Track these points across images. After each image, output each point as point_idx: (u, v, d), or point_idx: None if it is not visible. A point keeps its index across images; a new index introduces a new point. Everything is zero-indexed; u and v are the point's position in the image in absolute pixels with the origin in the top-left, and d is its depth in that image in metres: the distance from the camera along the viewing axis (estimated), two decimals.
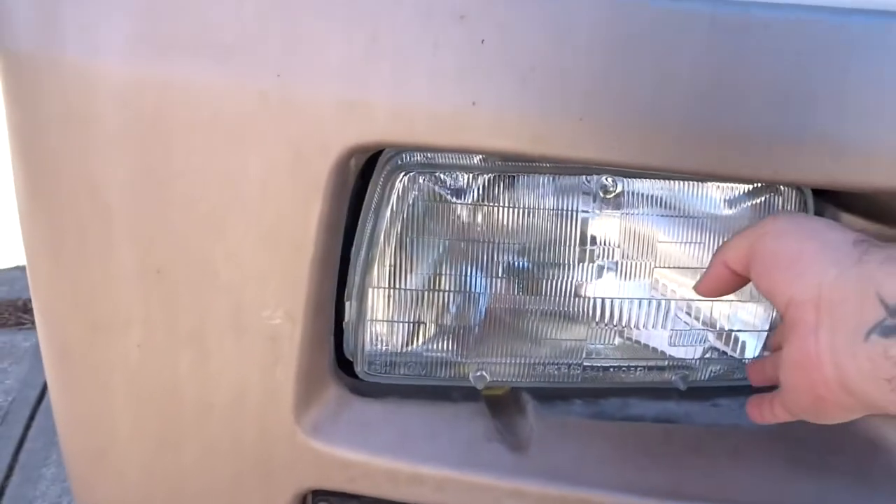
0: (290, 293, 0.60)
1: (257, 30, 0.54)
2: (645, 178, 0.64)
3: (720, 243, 0.63)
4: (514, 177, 0.64)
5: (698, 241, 0.67)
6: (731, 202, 0.66)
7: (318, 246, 0.59)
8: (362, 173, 0.64)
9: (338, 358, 0.70)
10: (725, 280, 0.55)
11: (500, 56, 0.53)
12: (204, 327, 0.62)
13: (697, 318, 0.70)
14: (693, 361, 0.71)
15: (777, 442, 0.69)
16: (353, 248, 0.65)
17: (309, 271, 0.60)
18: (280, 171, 0.57)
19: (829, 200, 0.67)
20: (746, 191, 0.66)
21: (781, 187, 0.65)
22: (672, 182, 0.65)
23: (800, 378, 0.47)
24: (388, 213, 0.63)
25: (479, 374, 0.69)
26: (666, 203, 0.66)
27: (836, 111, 0.51)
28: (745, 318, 0.70)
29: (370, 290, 0.65)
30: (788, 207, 0.66)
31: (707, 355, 0.71)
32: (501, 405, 0.71)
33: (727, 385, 0.72)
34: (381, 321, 0.67)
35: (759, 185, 0.66)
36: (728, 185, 0.65)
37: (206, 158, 0.57)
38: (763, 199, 0.66)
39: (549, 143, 0.54)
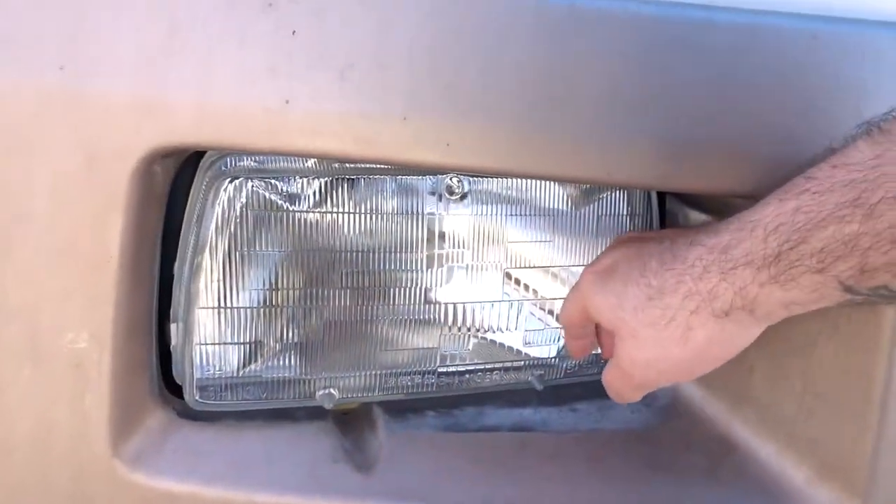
0: (95, 314, 0.53)
1: (36, 16, 0.47)
2: (489, 177, 0.61)
3: (569, 241, 0.61)
4: (353, 179, 0.60)
5: (548, 239, 0.65)
6: (577, 200, 0.64)
7: (123, 260, 0.52)
8: (184, 179, 0.57)
9: (167, 380, 0.64)
10: (582, 336, 0.59)
11: (314, 49, 0.48)
12: None
13: (551, 316, 0.68)
14: (549, 360, 0.69)
15: (634, 444, 0.68)
16: (177, 264, 0.59)
17: (115, 289, 0.53)
18: (71, 178, 0.50)
19: (679, 198, 0.66)
20: (593, 188, 0.64)
21: None
22: (520, 181, 0.62)
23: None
24: (212, 225, 0.57)
25: (326, 391, 0.64)
26: (515, 201, 0.63)
27: (669, 114, 0.48)
28: None
29: (196, 311, 0.59)
30: (635, 203, 0.64)
31: (562, 353, 0.69)
32: (351, 421, 0.67)
33: (583, 382, 0.70)
34: (211, 344, 0.61)
35: None
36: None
37: None
38: (608, 195, 0.64)
39: (372, 145, 0.49)
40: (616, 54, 0.49)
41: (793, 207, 0.43)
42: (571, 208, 0.64)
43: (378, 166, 0.59)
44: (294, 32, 0.48)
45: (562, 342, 0.69)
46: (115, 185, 0.50)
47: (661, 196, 0.67)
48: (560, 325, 0.59)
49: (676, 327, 0.48)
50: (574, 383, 0.71)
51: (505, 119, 0.49)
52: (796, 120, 0.49)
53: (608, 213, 0.64)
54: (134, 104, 0.48)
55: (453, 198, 0.62)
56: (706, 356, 0.50)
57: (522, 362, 0.69)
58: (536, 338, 0.69)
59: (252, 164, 0.58)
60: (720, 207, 0.62)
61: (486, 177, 0.61)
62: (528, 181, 0.62)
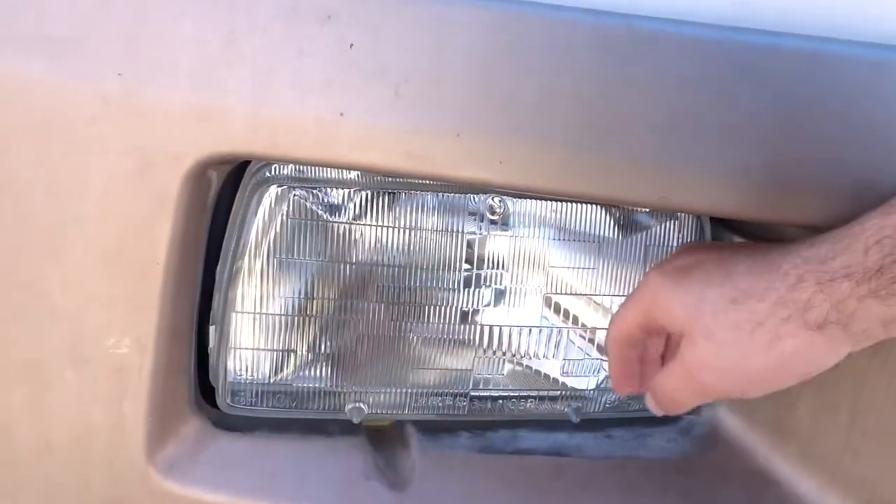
0: (139, 319, 0.54)
1: (96, 22, 0.48)
2: (534, 198, 0.61)
3: (614, 269, 0.60)
4: (394, 194, 0.60)
5: (592, 266, 0.64)
6: (625, 226, 0.63)
7: (169, 266, 0.53)
8: (230, 185, 0.58)
9: (203, 387, 0.64)
10: (629, 362, 0.55)
11: (370, 63, 0.48)
12: (40, 359, 0.54)
13: (593, 346, 0.67)
14: (587, 392, 0.68)
15: (671, 474, 0.67)
16: (218, 268, 0.59)
17: (160, 295, 0.53)
18: (124, 183, 0.50)
19: (725, 225, 0.65)
20: (641, 214, 0.63)
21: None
22: (563, 204, 0.62)
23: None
24: (253, 231, 0.57)
25: (355, 405, 0.64)
26: (558, 226, 0.63)
27: (727, 139, 0.48)
28: None
29: (233, 315, 0.59)
30: (685, 233, 0.63)
31: (602, 385, 0.68)
32: (384, 439, 0.66)
33: (622, 416, 0.69)
34: (245, 349, 0.61)
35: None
36: (622, 208, 0.62)
37: (37, 168, 0.50)
38: (660, 223, 0.63)
39: (423, 161, 0.49)
40: (674, 77, 0.48)
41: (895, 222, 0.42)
42: (618, 236, 0.63)
43: (420, 181, 0.59)
44: (351, 46, 0.48)
45: (602, 374, 0.67)
46: (166, 192, 0.50)
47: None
48: (606, 346, 0.56)
49: (764, 333, 0.45)
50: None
51: (559, 138, 0.49)
52: (857, 149, 0.48)
53: (657, 242, 0.63)
54: (190, 111, 0.49)
55: (494, 218, 0.62)
56: (789, 369, 0.47)
57: (559, 392, 0.68)
58: (576, 368, 0.67)
59: (294, 173, 0.58)
60: (768, 236, 0.61)
61: (537, 197, 0.60)
62: (573, 206, 0.62)
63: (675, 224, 0.64)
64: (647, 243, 0.63)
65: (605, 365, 0.67)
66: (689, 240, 0.64)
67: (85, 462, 0.57)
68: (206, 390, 0.64)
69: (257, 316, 0.60)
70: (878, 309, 0.43)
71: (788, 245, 0.46)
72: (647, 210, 0.63)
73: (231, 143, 0.49)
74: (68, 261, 0.52)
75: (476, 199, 0.61)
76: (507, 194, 0.60)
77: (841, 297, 0.43)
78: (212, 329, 0.61)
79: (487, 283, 0.63)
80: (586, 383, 0.68)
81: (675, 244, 0.63)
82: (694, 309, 0.47)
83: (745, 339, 0.46)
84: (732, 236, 0.65)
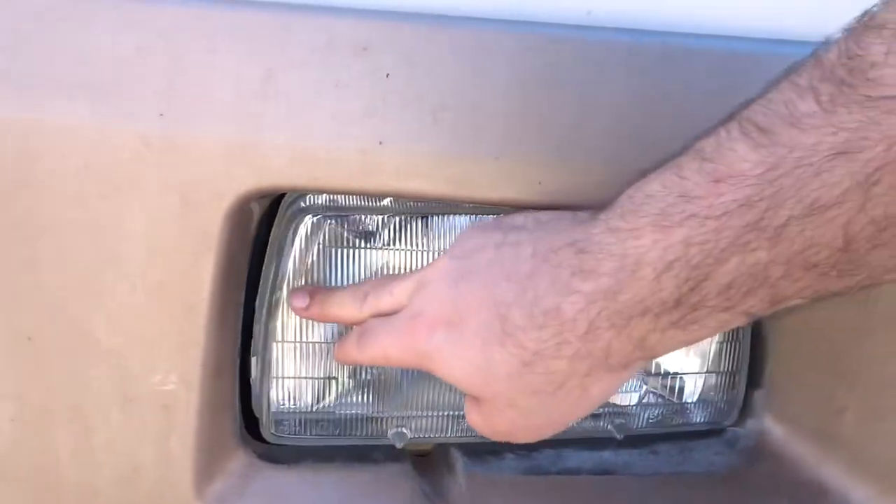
0: (184, 355, 0.54)
1: (136, 65, 0.48)
2: None
3: None
4: (427, 217, 0.60)
5: None
6: None
7: (213, 301, 0.53)
8: (266, 217, 0.58)
9: (247, 419, 0.63)
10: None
11: (407, 91, 0.48)
12: (85, 399, 0.54)
13: None
14: (630, 408, 0.67)
15: (720, 488, 0.66)
16: (258, 299, 0.59)
17: (205, 330, 0.53)
18: (166, 222, 0.50)
19: None
20: None
21: None
22: None
23: None
24: (290, 261, 0.58)
25: (397, 430, 0.64)
26: None
27: None
28: (682, 360, 0.66)
29: (274, 345, 0.59)
30: None
31: (644, 400, 0.68)
32: (429, 464, 0.66)
33: (666, 431, 0.68)
34: (287, 378, 0.60)
35: None
36: None
37: (79, 210, 0.50)
38: None
39: (464, 185, 0.49)
40: (709, 93, 0.48)
41: (682, 238, 0.35)
42: None
43: (452, 205, 0.59)
44: (388, 75, 0.48)
45: (644, 388, 0.67)
46: (209, 228, 0.50)
47: None
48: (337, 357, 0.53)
49: (569, 391, 0.42)
50: None
51: (598, 157, 0.49)
52: None
53: None
54: (230, 148, 0.49)
55: None
56: (593, 406, 0.44)
57: (601, 409, 0.67)
58: None
59: (328, 202, 0.59)
60: None
61: None
62: None
63: None
64: None
65: (647, 379, 0.67)
66: None
67: (132, 503, 0.57)
68: (249, 422, 0.63)
69: (298, 345, 0.60)
70: (681, 336, 0.38)
71: (558, 270, 0.40)
72: None
73: (272, 178, 0.49)
74: (112, 300, 0.52)
75: None
76: None
77: (640, 335, 0.38)
78: (253, 360, 0.61)
79: None
80: (628, 399, 0.67)
81: None
82: (488, 381, 0.43)
83: (548, 400, 0.42)
84: None
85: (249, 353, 0.61)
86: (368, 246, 0.60)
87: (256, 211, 0.54)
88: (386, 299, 0.49)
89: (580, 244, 0.40)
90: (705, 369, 0.66)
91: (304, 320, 0.60)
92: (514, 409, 0.44)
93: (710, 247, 0.35)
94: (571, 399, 0.42)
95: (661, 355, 0.41)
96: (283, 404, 0.62)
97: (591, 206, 0.50)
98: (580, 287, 0.39)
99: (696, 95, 0.49)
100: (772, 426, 0.67)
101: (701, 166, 0.35)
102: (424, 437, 0.66)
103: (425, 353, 0.45)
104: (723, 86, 0.49)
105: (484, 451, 0.66)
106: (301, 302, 0.54)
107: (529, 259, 0.42)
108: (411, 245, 0.61)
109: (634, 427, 0.67)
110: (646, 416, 0.68)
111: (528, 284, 0.41)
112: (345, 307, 0.52)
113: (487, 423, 0.46)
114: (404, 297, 0.48)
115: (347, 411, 0.63)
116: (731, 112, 0.36)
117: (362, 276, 0.60)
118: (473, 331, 0.42)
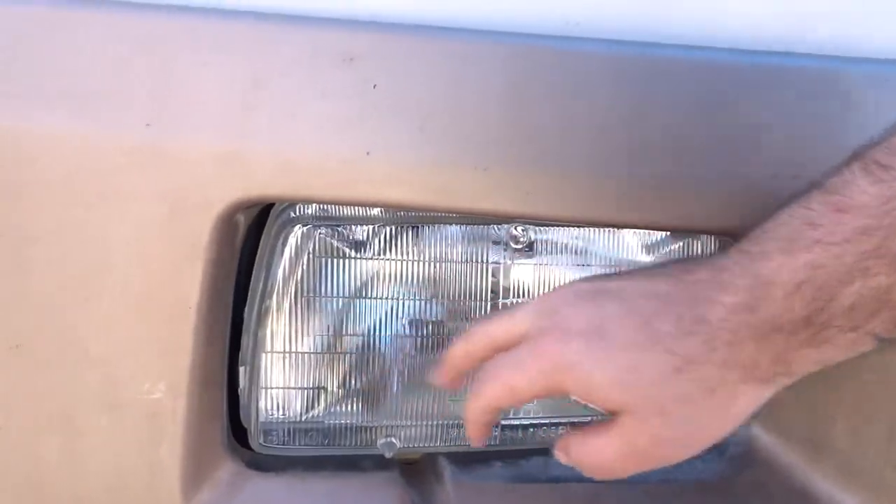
0: (172, 364, 0.54)
1: (123, 76, 0.49)
2: (557, 226, 0.61)
3: None
4: (417, 227, 0.60)
5: None
6: (649, 248, 0.63)
7: (201, 310, 0.53)
8: (255, 226, 0.58)
9: (235, 428, 0.63)
10: (492, 420, 0.50)
11: (394, 102, 0.48)
12: (72, 407, 0.54)
13: None
14: None
15: (709, 496, 0.66)
16: (246, 309, 0.60)
17: (192, 339, 0.53)
18: (154, 231, 0.51)
19: None
20: (665, 237, 0.63)
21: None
22: (587, 230, 0.62)
23: None
24: (280, 271, 0.58)
25: (387, 440, 0.64)
26: (581, 252, 0.63)
27: (746, 158, 0.48)
28: None
29: (262, 355, 0.59)
30: (707, 253, 0.63)
31: None
32: (417, 472, 0.66)
33: None
34: (276, 388, 0.61)
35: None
36: (645, 231, 0.62)
37: (67, 219, 0.50)
38: (682, 244, 0.63)
39: (451, 195, 0.50)
40: (693, 103, 0.49)
41: (807, 262, 0.38)
42: (643, 259, 0.63)
43: (443, 214, 0.60)
44: (375, 86, 0.48)
45: None
46: (197, 237, 0.51)
47: None
48: (470, 415, 0.48)
49: (720, 399, 0.42)
50: None
51: (584, 168, 0.49)
52: None
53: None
54: (217, 158, 0.49)
55: (518, 247, 0.62)
56: (739, 421, 0.44)
57: (591, 418, 0.67)
58: None
59: (318, 212, 0.59)
60: None
61: (563, 225, 0.60)
62: (598, 232, 0.62)
63: (697, 243, 0.64)
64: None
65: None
66: None
67: None
68: (238, 431, 0.63)
69: (287, 355, 0.60)
70: (814, 355, 0.41)
71: (696, 286, 0.42)
72: (671, 233, 0.63)
73: (260, 187, 0.50)
74: (100, 309, 0.52)
75: (499, 228, 0.61)
76: (534, 224, 0.60)
77: (778, 350, 0.40)
78: (242, 370, 0.61)
79: None
80: None
81: None
82: (636, 387, 0.42)
83: (698, 408, 0.42)
84: None
85: (238, 363, 0.61)
86: (359, 256, 0.60)
87: (242, 222, 0.54)
88: (505, 322, 0.47)
89: (717, 265, 0.42)
90: None
91: (293, 330, 0.60)
92: (661, 418, 0.42)
93: (833, 270, 0.38)
94: (721, 409, 0.43)
95: (799, 374, 0.42)
96: (272, 414, 0.62)
97: (578, 217, 0.50)
98: (721, 299, 0.41)
99: (681, 105, 0.49)
100: (761, 433, 0.67)
101: (825, 198, 0.39)
102: (413, 446, 0.66)
103: (559, 367, 0.43)
104: (707, 96, 0.49)
105: (472, 459, 0.66)
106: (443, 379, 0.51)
107: (664, 281, 0.43)
108: (402, 255, 0.61)
109: None
110: None
111: (668, 299, 0.42)
112: (456, 350, 0.49)
113: (626, 440, 0.44)
114: (526, 321, 0.46)
115: (336, 421, 0.63)
116: (853, 152, 0.39)
117: (352, 286, 0.60)
118: (616, 337, 0.42)
